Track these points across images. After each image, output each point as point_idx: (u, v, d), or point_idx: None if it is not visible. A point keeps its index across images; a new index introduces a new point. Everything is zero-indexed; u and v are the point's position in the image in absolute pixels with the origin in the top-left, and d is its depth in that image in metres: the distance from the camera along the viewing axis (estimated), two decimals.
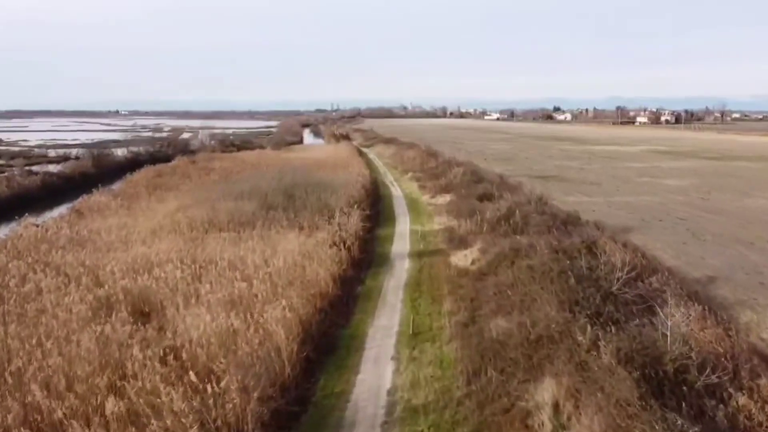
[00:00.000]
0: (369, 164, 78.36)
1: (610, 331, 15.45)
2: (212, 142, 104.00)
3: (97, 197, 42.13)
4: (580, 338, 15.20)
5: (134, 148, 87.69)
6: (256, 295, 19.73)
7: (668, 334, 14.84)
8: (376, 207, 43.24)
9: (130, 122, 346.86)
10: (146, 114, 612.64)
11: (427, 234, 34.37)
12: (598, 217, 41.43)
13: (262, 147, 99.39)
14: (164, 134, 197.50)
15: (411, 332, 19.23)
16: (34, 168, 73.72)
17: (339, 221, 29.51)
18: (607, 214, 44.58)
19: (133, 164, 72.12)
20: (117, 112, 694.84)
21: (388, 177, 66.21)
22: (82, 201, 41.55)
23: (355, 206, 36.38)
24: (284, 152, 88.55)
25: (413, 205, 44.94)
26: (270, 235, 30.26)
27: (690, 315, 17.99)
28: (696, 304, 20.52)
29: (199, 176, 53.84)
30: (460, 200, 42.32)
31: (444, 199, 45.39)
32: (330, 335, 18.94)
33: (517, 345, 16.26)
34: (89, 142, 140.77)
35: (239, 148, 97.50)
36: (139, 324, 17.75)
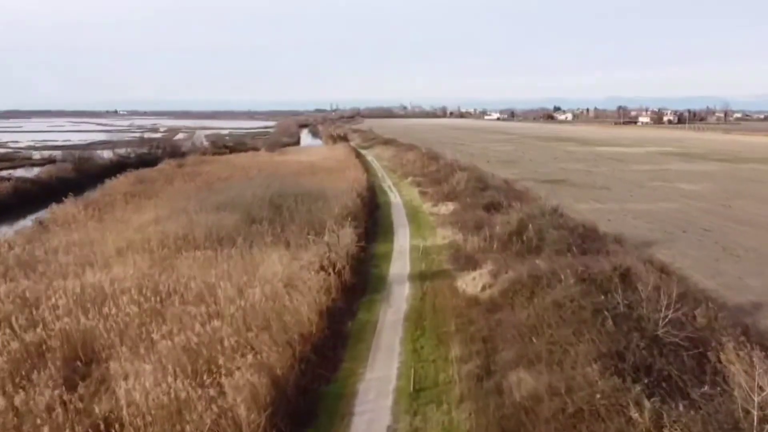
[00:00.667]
0: (367, 167, 74.61)
1: (675, 406, 11.73)
2: (205, 143, 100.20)
3: (67, 207, 38.39)
4: (635, 415, 11.51)
5: (122, 151, 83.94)
6: (222, 341, 16.02)
7: (755, 412, 11.14)
8: (373, 217, 39.53)
9: (127, 122, 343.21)
10: (145, 114, 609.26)
11: (429, 250, 30.65)
12: (615, 228, 37.78)
13: (256, 149, 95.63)
14: (159, 135, 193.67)
15: (412, 389, 15.54)
16: (17, 171, 70.20)
17: (329, 240, 25.73)
18: (625, 224, 40.92)
19: (118, 168, 68.33)
20: (116, 112, 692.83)
21: (387, 181, 62.50)
22: (49, 211, 37.80)
23: (349, 218, 32.69)
24: (278, 155, 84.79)
25: (414, 215, 41.21)
26: (251, 254, 26.58)
27: (755, 364, 14.37)
28: (757, 349, 16.91)
29: (184, 182, 50.10)
30: (465, 210, 38.64)
31: (447, 208, 41.70)
32: (311, 393, 15.22)
33: (548, 418, 12.56)
34: (81, 143, 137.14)
35: (232, 150, 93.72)
36: (71, 384, 14.05)
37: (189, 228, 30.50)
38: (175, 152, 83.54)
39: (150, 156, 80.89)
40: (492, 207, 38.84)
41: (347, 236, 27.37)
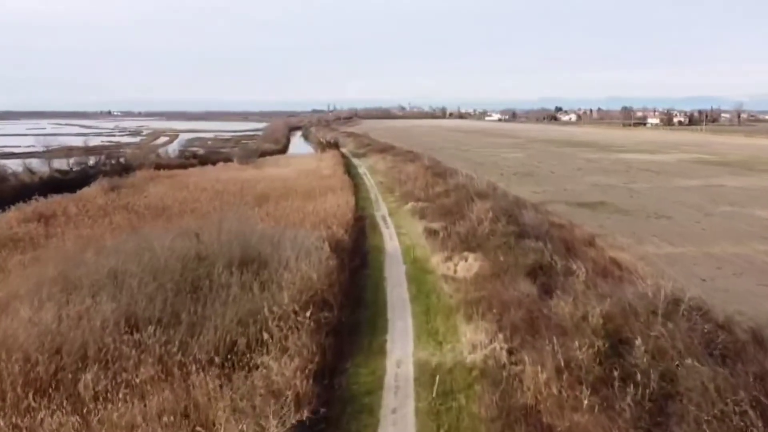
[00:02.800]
0: (357, 185, 60.75)
1: None
2: (169, 153, 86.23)
3: None
4: None
5: (65, 163, 69.77)
6: None
7: None
8: (355, 286, 25.59)
9: (113, 124, 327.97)
10: (139, 115, 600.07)
11: (452, 384, 16.62)
12: (717, 296, 24.06)
13: (230, 159, 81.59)
14: (138, 139, 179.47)
15: None
16: None
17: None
18: (734, 290, 26.97)
19: (48, 188, 54.58)
20: (109, 113, 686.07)
21: (381, 208, 48.65)
22: None
23: (310, 310, 18.85)
24: (253, 167, 70.91)
25: (419, 281, 27.13)
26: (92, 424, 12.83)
27: None
28: None
29: (99, 219, 36.14)
30: (499, 276, 24.76)
31: (468, 266, 27.83)
32: None
33: None
34: (42, 150, 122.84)
35: (202, 161, 79.66)
36: None
37: (19, 335, 16.68)
38: (128, 165, 69.25)
39: (94, 170, 66.68)
40: (541, 271, 25.05)
41: (289, 379, 13.44)
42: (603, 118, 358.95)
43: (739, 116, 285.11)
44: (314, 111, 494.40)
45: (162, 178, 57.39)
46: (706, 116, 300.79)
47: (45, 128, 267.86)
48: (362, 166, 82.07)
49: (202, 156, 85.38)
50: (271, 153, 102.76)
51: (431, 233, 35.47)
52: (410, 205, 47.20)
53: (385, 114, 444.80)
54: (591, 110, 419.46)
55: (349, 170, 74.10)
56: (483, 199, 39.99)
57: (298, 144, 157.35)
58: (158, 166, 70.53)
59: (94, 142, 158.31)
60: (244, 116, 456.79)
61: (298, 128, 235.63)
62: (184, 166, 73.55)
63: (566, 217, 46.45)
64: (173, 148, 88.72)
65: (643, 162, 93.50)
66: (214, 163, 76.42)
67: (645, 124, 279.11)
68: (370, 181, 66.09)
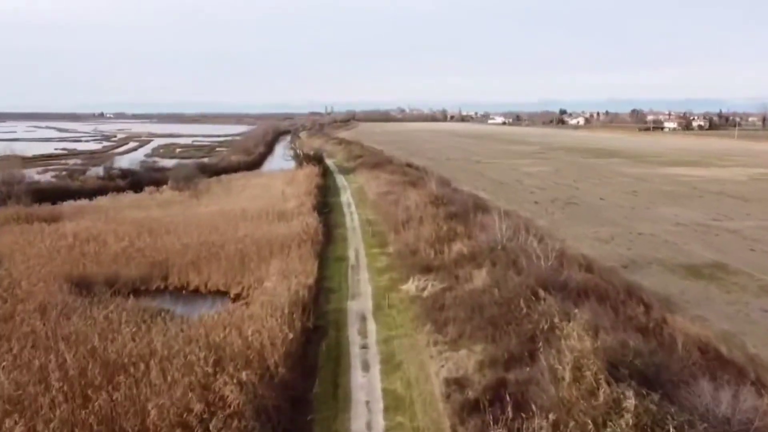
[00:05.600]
0: (330, 229, 40.32)
1: None
2: (92, 172, 65.79)
3: None
4: None
5: None
6: None
7: None
8: None
9: (91, 128, 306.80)
10: (133, 117, 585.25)
11: None
12: None
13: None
14: (101, 146, 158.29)
15: None
16: None
17: None
18: None
19: None
20: (102, 114, 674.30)
21: (361, 290, 28.00)
22: None
23: None
24: (188, 197, 50.49)
25: None
26: None
27: None
28: None
29: None
30: None
31: None
32: None
33: None
34: None
35: (133, 183, 59.16)
36: None
37: None
38: (13, 192, 48.31)
39: None
40: None
41: None
42: (612, 121, 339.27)
43: (764, 120, 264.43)
44: (312, 113, 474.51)
45: (20, 223, 36.79)
46: (726, 120, 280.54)
47: (15, 132, 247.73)
48: (347, 190, 61.41)
49: (136, 174, 64.41)
50: (238, 168, 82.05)
51: (470, 411, 15.00)
52: (413, 284, 26.75)
53: (384, 117, 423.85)
54: (598, 113, 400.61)
55: (327, 198, 53.66)
56: (564, 302, 19.44)
57: (283, 153, 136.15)
58: (64, 193, 50.18)
59: (49, 149, 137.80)
60: (239, 118, 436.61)
61: (285, 133, 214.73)
62: (100, 192, 53.02)
63: (686, 307, 26.24)
64: (95, 169, 67.90)
65: (705, 181, 72.93)
66: (140, 188, 55.81)
67: (663, 129, 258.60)
68: (352, 219, 45.35)
